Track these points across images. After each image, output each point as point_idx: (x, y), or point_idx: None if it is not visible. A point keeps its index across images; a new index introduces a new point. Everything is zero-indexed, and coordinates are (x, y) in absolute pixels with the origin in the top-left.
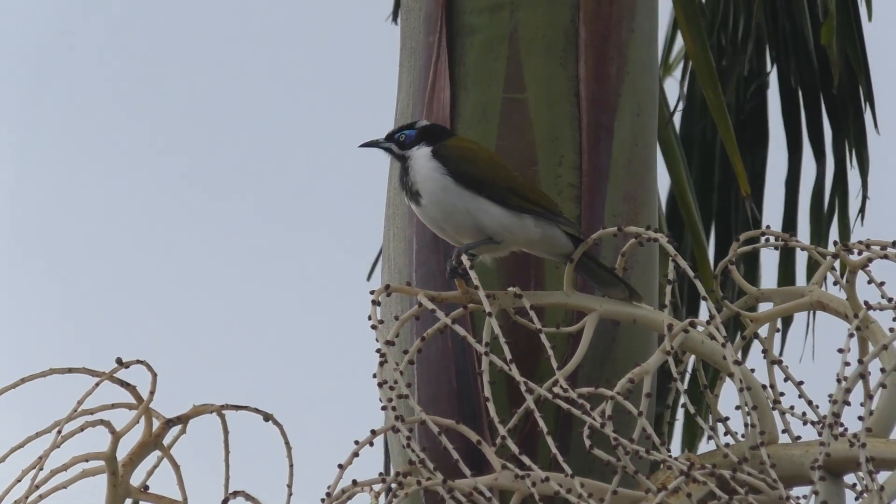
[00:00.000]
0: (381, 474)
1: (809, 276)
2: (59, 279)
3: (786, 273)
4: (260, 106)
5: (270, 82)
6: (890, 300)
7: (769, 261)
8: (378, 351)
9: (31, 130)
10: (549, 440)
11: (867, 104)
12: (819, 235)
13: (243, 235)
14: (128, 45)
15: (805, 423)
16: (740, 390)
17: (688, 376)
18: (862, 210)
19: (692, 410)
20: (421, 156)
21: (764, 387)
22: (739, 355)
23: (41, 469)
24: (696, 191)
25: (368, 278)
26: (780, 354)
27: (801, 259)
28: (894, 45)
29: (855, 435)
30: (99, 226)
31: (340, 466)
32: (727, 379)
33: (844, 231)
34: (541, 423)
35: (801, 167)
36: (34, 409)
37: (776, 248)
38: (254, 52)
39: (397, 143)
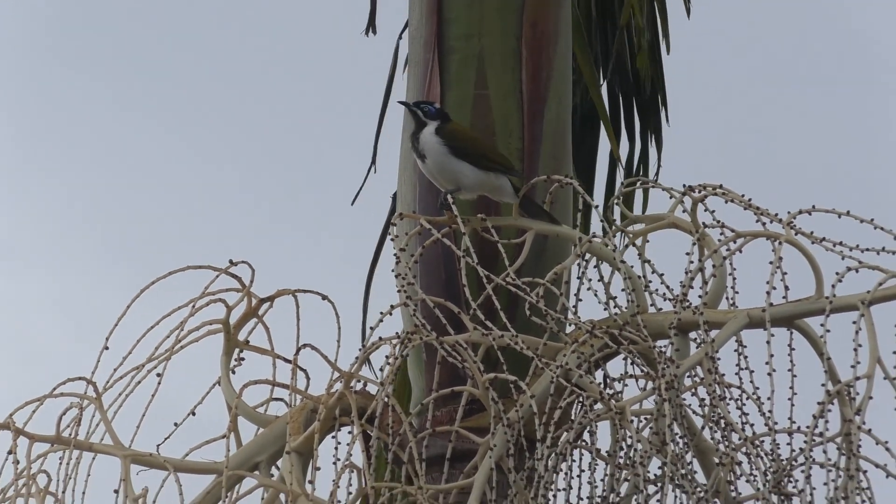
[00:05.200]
0: (397, 333)
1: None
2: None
3: (645, 206)
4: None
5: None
6: (718, 221)
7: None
8: (395, 255)
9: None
10: (502, 314)
11: (663, 107)
12: (629, 190)
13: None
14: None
15: (665, 299)
16: (624, 279)
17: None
18: (657, 174)
19: (594, 292)
20: (429, 131)
21: (639, 277)
22: (623, 256)
23: (182, 329)
24: None
25: (353, 203)
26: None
27: (654, 196)
28: (679, 70)
29: (696, 307)
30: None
31: (371, 328)
32: (615, 272)
33: (646, 189)
34: (496, 301)
35: (619, 146)
36: (168, 293)
37: (644, 188)
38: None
39: (422, 111)
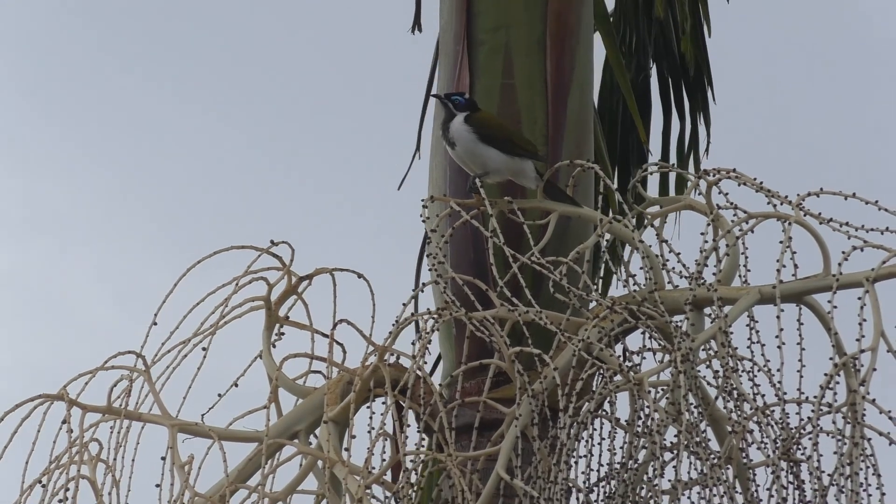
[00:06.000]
0: (428, 309)
1: (678, 191)
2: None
3: (663, 188)
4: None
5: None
6: (731, 203)
7: (651, 182)
8: (426, 235)
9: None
10: (527, 291)
11: (709, 87)
12: (682, 167)
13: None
14: None
15: (681, 277)
16: (643, 258)
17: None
18: (707, 150)
19: (613, 269)
20: (458, 120)
21: (656, 256)
22: (641, 236)
23: (226, 305)
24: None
25: (399, 188)
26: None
27: (672, 179)
28: (723, 50)
29: (711, 284)
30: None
31: (404, 304)
32: (634, 252)
33: (697, 164)
34: (521, 279)
35: (671, 125)
36: (213, 271)
37: (662, 172)
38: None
39: (452, 103)
